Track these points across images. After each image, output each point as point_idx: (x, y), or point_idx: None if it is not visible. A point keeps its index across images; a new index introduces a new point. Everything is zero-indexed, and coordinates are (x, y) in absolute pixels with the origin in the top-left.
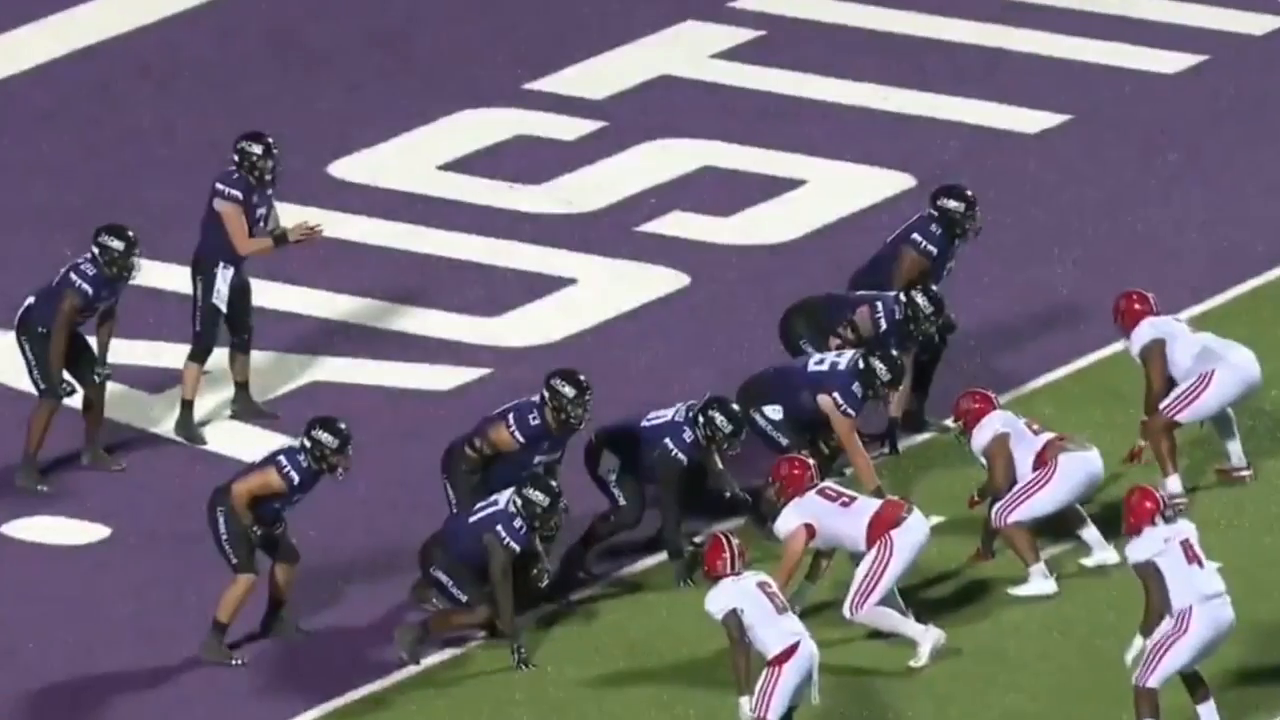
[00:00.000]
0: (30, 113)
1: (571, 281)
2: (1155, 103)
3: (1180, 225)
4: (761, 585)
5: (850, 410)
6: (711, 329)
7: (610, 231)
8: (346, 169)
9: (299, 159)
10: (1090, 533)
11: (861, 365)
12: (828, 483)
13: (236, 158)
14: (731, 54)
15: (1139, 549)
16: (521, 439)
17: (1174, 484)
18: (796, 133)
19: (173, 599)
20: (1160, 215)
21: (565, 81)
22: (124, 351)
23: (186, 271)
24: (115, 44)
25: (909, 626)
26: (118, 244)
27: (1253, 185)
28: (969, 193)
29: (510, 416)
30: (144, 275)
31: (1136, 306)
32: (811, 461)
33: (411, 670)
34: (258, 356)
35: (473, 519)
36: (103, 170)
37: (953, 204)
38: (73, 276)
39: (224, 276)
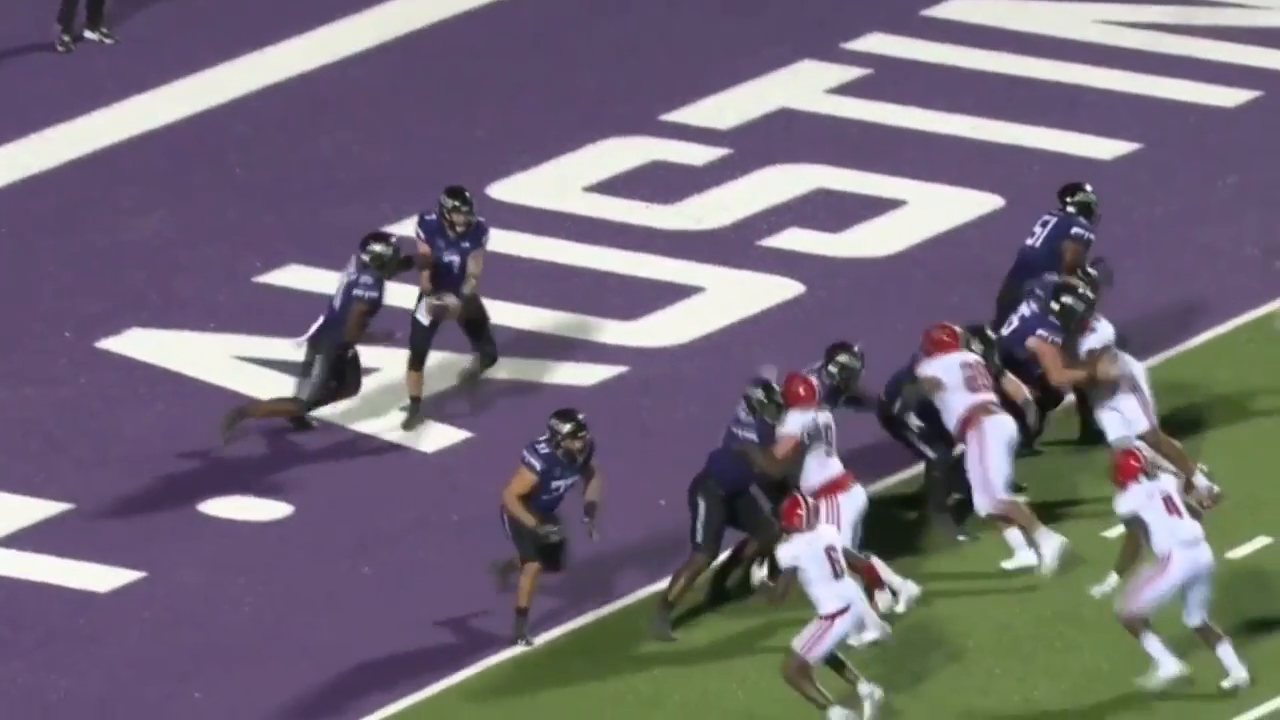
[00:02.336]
0: (227, 141)
1: (699, 290)
2: (1217, 133)
3: (1238, 240)
4: (828, 549)
5: (1055, 338)
6: (823, 331)
7: (734, 246)
8: (503, 191)
9: (461, 181)
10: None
11: (1056, 306)
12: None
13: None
14: (843, 89)
15: (1125, 502)
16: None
17: None
18: (899, 159)
19: (348, 570)
20: (1221, 232)
21: (696, 113)
22: (278, 350)
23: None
24: (301, 80)
25: (1039, 531)
26: (384, 248)
27: None
28: (1086, 184)
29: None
30: (328, 285)
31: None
32: None
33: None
34: (432, 357)
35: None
36: (289, 192)
37: (1083, 195)
38: (356, 292)
39: (424, 303)
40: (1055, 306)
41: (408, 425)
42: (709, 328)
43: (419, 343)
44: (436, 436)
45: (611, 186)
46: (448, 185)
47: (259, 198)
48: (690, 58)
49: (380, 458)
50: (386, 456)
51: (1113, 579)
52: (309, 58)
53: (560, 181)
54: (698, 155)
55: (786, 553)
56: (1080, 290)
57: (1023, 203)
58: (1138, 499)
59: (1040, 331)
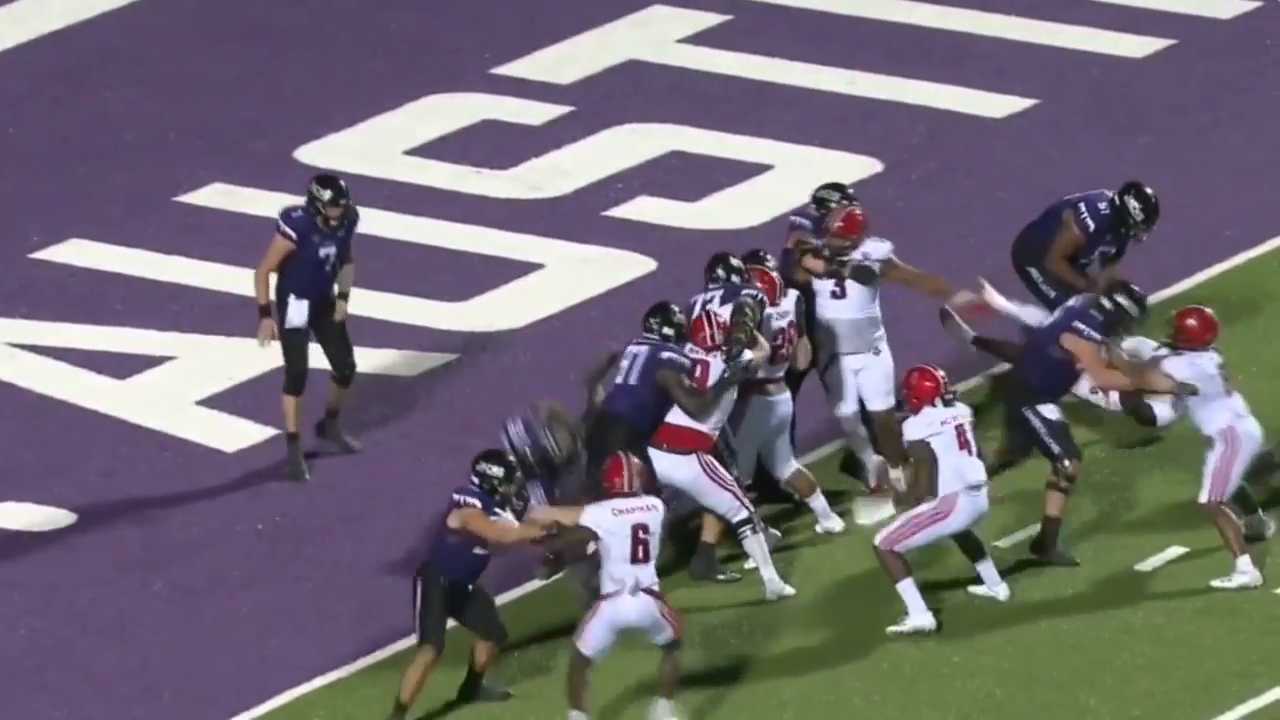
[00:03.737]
0: None
1: (538, 266)
2: (1123, 87)
3: None
4: (638, 528)
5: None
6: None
7: (577, 216)
8: (313, 154)
9: (266, 143)
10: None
11: (1108, 305)
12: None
13: (305, 198)
14: (699, 39)
15: (915, 428)
16: None
17: None
18: (763, 117)
19: (137, 587)
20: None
21: (532, 66)
22: (89, 338)
23: (153, 256)
24: (83, 28)
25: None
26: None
27: (1221, 170)
28: (1154, 199)
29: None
30: (114, 262)
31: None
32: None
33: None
34: (231, 342)
35: None
36: (70, 155)
37: (1130, 196)
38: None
39: (296, 307)
40: (1107, 305)
41: (293, 472)
42: (548, 309)
43: (294, 363)
44: (238, 433)
45: (437, 149)
46: (316, 175)
47: (35, 162)
48: (526, 3)
49: (174, 458)
50: (181, 457)
51: (887, 509)
52: (92, 3)
53: (379, 143)
54: (535, 114)
55: (590, 517)
56: (1135, 291)
57: (903, 167)
58: (929, 424)
59: (1077, 324)
